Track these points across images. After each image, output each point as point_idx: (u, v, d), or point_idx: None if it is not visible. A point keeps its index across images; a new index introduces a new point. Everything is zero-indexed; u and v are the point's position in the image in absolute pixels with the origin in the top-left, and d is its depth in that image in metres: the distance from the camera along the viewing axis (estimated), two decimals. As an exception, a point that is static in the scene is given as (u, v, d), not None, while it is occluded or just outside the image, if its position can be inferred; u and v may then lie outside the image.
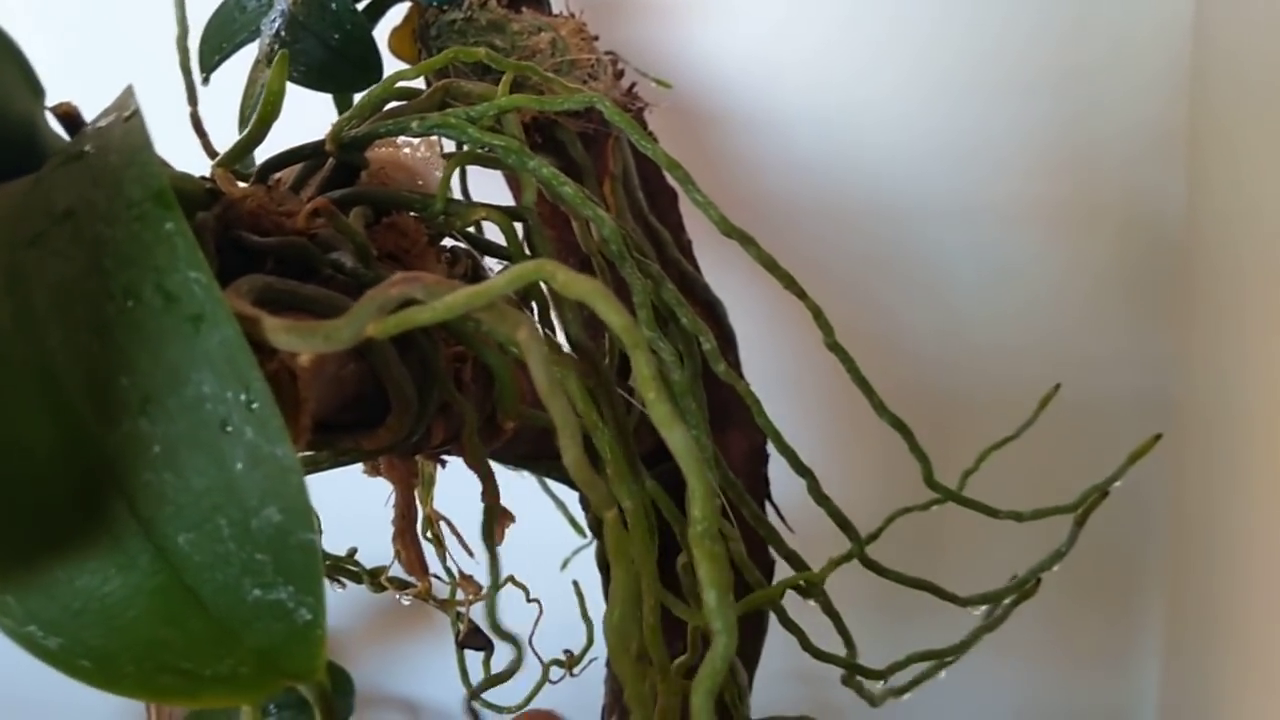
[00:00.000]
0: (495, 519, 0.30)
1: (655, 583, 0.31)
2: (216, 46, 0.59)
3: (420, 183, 0.36)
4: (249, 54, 0.59)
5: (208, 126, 0.46)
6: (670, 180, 0.62)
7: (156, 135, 0.31)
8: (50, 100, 0.27)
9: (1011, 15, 0.73)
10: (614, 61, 0.63)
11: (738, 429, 0.53)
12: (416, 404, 0.28)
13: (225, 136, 0.46)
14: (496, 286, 0.19)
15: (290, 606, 0.20)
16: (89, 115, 0.29)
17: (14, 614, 0.20)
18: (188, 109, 0.35)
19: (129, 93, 0.23)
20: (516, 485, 0.52)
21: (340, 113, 0.62)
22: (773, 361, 0.66)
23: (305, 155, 0.31)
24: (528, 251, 0.32)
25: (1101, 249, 0.75)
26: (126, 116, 0.22)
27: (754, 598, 0.33)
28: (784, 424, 0.41)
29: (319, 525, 0.20)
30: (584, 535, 0.61)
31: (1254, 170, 0.62)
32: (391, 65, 0.54)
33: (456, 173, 0.43)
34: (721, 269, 0.56)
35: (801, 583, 0.38)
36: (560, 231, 0.57)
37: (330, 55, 0.52)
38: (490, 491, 0.30)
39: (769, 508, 0.56)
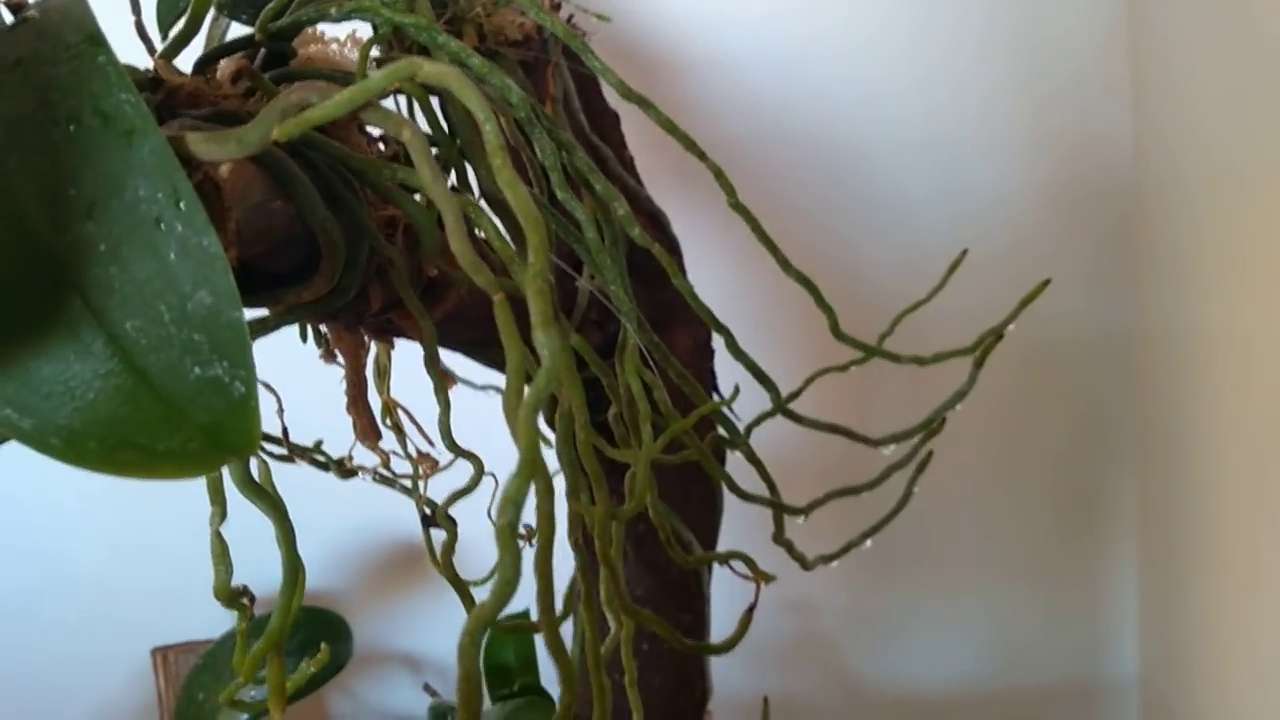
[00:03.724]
0: (433, 346, 0.33)
1: (584, 412, 0.34)
2: (173, 5, 0.63)
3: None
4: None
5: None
6: (611, 103, 0.65)
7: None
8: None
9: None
10: (551, -8, 0.66)
11: (682, 325, 0.57)
12: (344, 249, 0.31)
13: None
14: (374, 83, 0.22)
15: (226, 381, 0.24)
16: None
17: (-10, 399, 0.23)
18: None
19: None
20: (485, 401, 0.55)
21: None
22: (722, 278, 0.70)
23: (237, 48, 0.34)
24: (445, 125, 0.36)
25: (1052, 170, 0.78)
26: (65, -16, 0.26)
27: (673, 429, 0.36)
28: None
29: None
30: (548, 444, 0.64)
31: (1194, 87, 0.65)
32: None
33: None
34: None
35: (724, 434, 0.41)
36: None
37: (277, -2, 0.55)
38: (420, 327, 0.34)
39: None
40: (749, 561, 0.39)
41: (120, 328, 0.23)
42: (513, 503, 0.19)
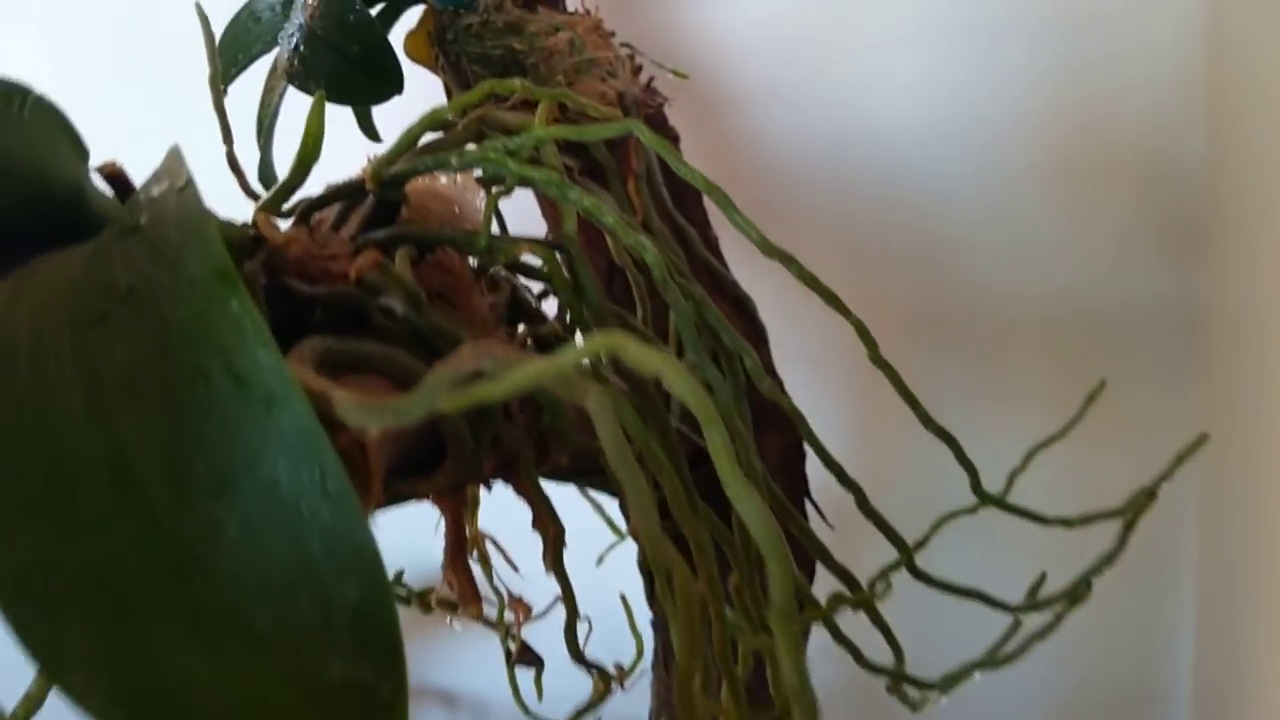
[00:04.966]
0: (559, 546, 0.30)
1: (722, 614, 0.31)
2: (232, 59, 0.59)
3: (457, 209, 0.35)
4: (264, 64, 0.59)
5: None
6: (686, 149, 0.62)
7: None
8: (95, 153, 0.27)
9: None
10: (631, 57, 0.62)
11: (774, 428, 0.53)
12: (473, 447, 0.28)
13: (243, 142, 0.45)
14: (567, 361, 0.19)
15: (373, 683, 0.20)
16: (129, 154, 0.29)
17: (102, 697, 0.20)
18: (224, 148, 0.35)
19: (179, 159, 0.23)
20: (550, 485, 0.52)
21: (360, 125, 0.61)
22: (801, 352, 0.66)
23: (345, 195, 0.31)
24: (568, 275, 0.32)
25: (1123, 202, 0.75)
26: (180, 187, 0.22)
27: (807, 617, 0.33)
28: (817, 423, 0.41)
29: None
30: (620, 536, 0.61)
31: (1276, 116, 0.61)
32: (408, 71, 0.54)
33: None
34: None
35: (845, 592, 0.38)
36: (588, 235, 0.56)
37: (349, 68, 0.51)
38: (545, 519, 0.31)
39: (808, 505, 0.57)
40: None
41: (252, 623, 0.20)
42: None
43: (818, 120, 0.78)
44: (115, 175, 0.26)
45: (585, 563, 0.63)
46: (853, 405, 0.80)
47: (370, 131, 0.63)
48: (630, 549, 0.57)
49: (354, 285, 0.28)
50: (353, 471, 0.21)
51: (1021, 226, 0.76)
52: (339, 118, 0.56)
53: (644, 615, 0.53)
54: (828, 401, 0.78)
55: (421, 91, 0.54)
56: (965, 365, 0.78)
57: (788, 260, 0.32)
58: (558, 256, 0.31)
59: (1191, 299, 0.74)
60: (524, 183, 0.35)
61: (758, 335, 0.58)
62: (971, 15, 0.74)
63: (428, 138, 0.35)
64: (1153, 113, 0.72)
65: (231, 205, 0.33)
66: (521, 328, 0.36)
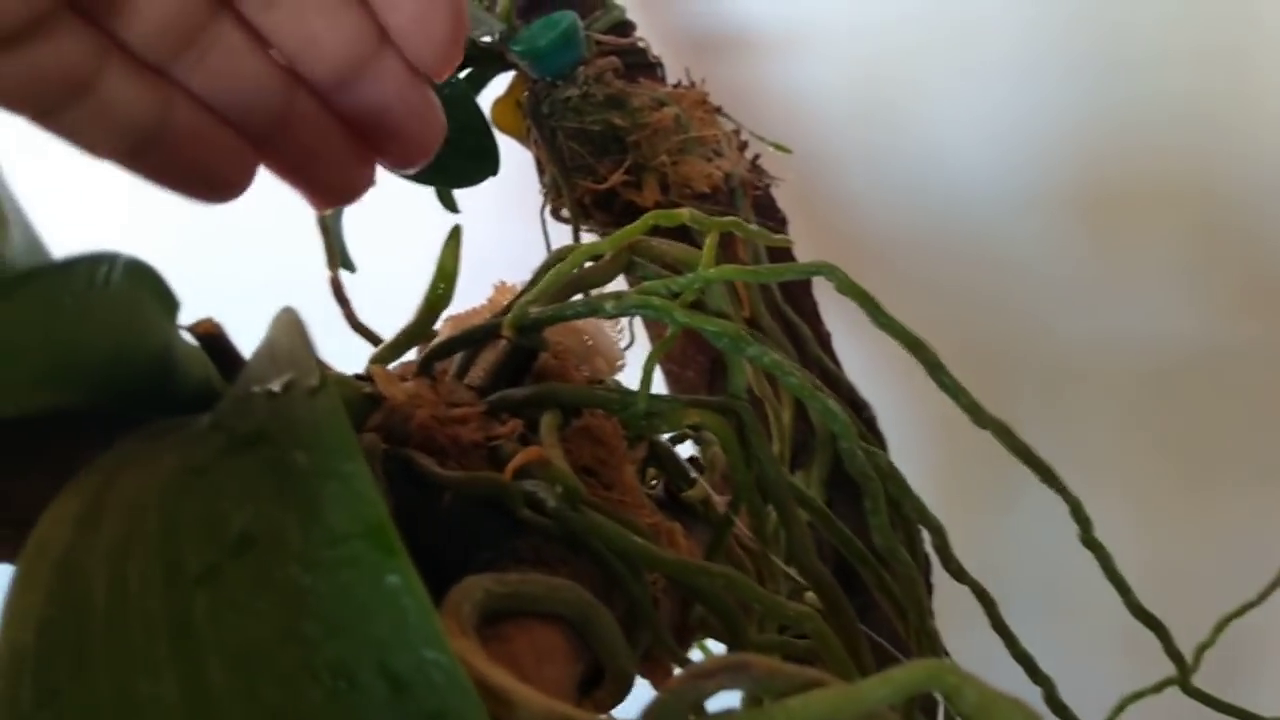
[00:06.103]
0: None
1: None
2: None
3: (589, 340, 0.30)
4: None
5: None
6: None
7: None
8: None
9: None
10: (737, 132, 0.57)
11: (890, 568, 0.48)
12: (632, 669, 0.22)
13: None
14: (875, 697, 0.13)
15: None
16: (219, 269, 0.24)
17: None
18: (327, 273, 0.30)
19: (302, 338, 0.18)
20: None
21: (439, 197, 0.57)
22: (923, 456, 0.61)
23: (475, 340, 0.26)
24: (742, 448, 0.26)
25: (1223, 253, 0.70)
26: (312, 388, 0.17)
27: None
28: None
29: None
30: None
31: None
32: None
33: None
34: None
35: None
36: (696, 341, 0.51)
37: (440, 147, 0.46)
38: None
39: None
40: None
41: None
42: None
43: (898, 176, 0.75)
44: (211, 335, 0.21)
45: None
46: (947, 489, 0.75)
47: (449, 203, 0.58)
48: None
49: (486, 448, 0.23)
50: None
51: (1111, 277, 0.72)
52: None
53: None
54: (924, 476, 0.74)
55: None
56: (1041, 412, 0.74)
57: (1002, 431, 0.27)
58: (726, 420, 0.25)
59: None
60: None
61: (878, 441, 0.53)
62: (1051, 58, 0.70)
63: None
64: (1253, 160, 0.67)
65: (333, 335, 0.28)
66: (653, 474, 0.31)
